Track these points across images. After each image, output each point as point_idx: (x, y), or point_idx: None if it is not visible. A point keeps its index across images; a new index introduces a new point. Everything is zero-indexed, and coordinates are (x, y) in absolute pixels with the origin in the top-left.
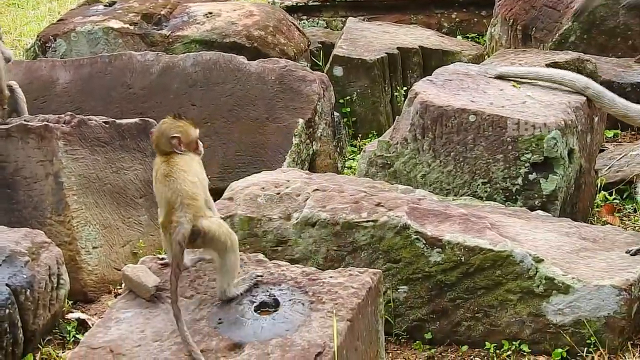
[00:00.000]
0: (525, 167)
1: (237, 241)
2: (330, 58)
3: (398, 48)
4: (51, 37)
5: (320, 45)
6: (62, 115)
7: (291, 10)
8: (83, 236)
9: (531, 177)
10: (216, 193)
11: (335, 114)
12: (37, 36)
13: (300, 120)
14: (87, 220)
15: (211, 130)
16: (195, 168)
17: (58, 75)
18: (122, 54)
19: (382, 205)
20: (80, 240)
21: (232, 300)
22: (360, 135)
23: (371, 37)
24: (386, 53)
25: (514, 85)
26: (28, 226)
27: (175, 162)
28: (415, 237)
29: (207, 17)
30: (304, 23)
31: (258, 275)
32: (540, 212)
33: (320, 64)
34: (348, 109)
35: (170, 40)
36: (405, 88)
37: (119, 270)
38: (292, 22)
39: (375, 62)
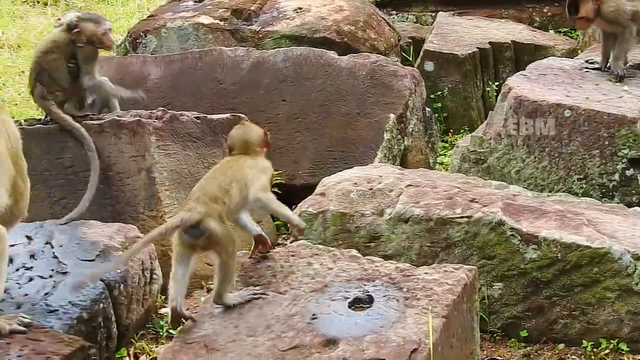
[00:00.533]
0: (623, 163)
1: (236, 251)
2: (421, 53)
3: (490, 43)
4: (142, 33)
5: (410, 40)
6: (154, 111)
7: (380, 5)
8: None
9: (628, 173)
10: (307, 188)
11: (427, 109)
12: (128, 32)
13: (392, 116)
14: None
15: (302, 125)
16: (246, 174)
17: (149, 71)
18: (212, 50)
19: (476, 201)
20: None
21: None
22: (451, 131)
23: (462, 32)
24: (478, 48)
25: (609, 80)
26: (121, 221)
27: (228, 164)
28: (511, 233)
29: (297, 12)
30: (393, 18)
31: (257, 293)
32: (638, 208)
33: (411, 59)
34: (439, 104)
35: (260, 35)
36: (497, 83)
37: (211, 265)
38: (382, 17)
39: (467, 56)
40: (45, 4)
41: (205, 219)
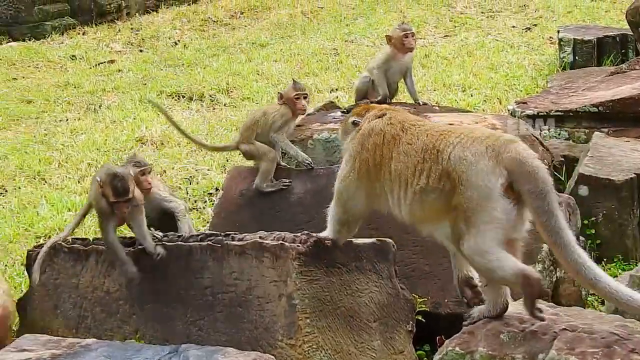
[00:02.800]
0: None
1: (272, 157)
2: (575, 176)
3: None
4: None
5: (562, 159)
6: (299, 234)
7: (532, 118)
8: None
9: None
10: (452, 318)
11: (580, 238)
12: None
13: (545, 246)
14: (319, 344)
15: (447, 252)
16: (268, 114)
17: (294, 184)
18: None
19: (636, 352)
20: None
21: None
22: (605, 259)
23: (619, 156)
24: (635, 174)
25: None
26: (258, 348)
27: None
28: None
29: None
30: (544, 133)
31: (285, 183)
32: None
33: (563, 179)
34: (592, 231)
35: None
36: None
37: None
38: (535, 137)
39: (624, 182)
40: (191, 99)
41: (239, 145)
